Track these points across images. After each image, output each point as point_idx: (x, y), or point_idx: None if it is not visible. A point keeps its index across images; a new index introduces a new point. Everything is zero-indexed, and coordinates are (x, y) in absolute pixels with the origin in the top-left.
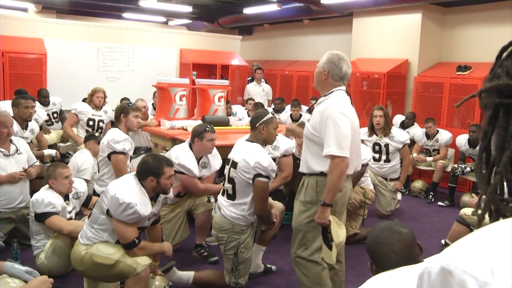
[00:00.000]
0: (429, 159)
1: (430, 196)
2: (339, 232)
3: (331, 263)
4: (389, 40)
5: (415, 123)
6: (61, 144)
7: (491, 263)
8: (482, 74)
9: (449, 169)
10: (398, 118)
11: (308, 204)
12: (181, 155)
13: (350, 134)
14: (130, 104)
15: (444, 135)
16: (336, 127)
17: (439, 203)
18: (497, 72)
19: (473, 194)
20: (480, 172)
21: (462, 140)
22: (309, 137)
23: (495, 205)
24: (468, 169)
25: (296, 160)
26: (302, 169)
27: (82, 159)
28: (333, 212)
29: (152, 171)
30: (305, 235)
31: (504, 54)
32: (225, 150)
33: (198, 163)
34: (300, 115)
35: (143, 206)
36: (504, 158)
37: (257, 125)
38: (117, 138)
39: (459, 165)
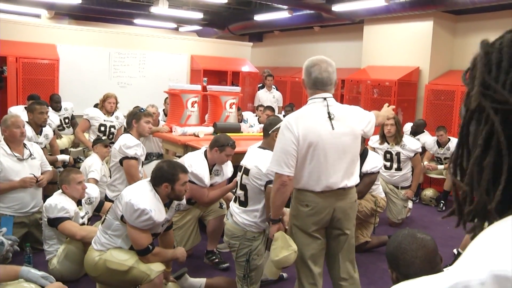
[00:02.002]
0: (440, 167)
1: (441, 204)
2: (279, 252)
3: (271, 277)
4: (400, 47)
5: (425, 130)
6: (72, 149)
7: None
8: None
9: None
10: (408, 127)
11: (292, 215)
12: (195, 163)
13: (293, 149)
14: (142, 110)
15: (455, 143)
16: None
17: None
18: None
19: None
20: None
21: None
22: None
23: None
24: None
25: None
26: None
27: (90, 162)
28: (299, 228)
29: (167, 177)
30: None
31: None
32: (236, 157)
33: (210, 171)
34: None
35: (158, 212)
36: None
37: (270, 132)
38: (129, 144)
39: None
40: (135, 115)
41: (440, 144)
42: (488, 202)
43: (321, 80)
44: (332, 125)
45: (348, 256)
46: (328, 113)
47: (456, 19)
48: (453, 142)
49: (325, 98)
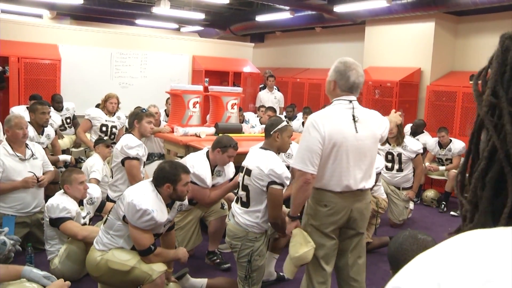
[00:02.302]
0: (442, 168)
1: (443, 205)
2: (299, 248)
3: (287, 276)
4: (401, 48)
5: (424, 130)
6: (73, 149)
7: (437, 280)
8: None
9: None
10: (408, 127)
11: (306, 215)
12: (197, 164)
13: (318, 148)
14: (144, 110)
15: (457, 145)
16: (303, 140)
17: (452, 212)
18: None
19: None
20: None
21: None
22: None
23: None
24: None
25: None
26: None
27: (92, 162)
28: (316, 227)
29: (169, 177)
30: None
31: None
32: (238, 158)
33: (212, 172)
34: None
35: (160, 212)
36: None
37: (271, 133)
38: (130, 144)
39: None
40: (137, 116)
41: (442, 145)
42: (488, 225)
43: (357, 84)
44: (356, 127)
45: (360, 256)
46: (353, 115)
47: (457, 20)
48: (454, 143)
49: (351, 101)
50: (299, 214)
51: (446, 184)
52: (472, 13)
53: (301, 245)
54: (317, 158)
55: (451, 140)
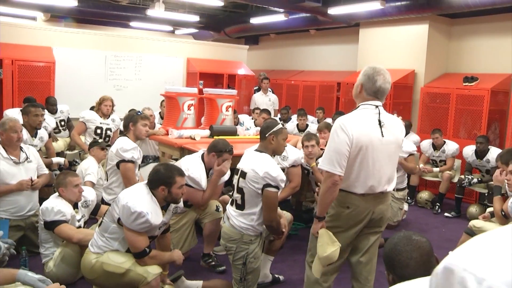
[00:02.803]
0: (436, 169)
1: (437, 207)
2: (327, 248)
3: (315, 276)
4: (395, 50)
5: (410, 131)
6: (68, 152)
7: (488, 262)
8: (489, 85)
9: (455, 180)
10: None
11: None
12: (192, 167)
13: (347, 150)
14: (139, 113)
15: (450, 146)
16: (331, 142)
17: (446, 214)
18: None
19: (485, 215)
20: None
21: (469, 151)
22: None
23: None
24: (475, 180)
25: (304, 171)
26: None
27: (86, 165)
28: (338, 228)
29: (163, 180)
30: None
31: None
32: (233, 160)
33: (207, 175)
34: (307, 125)
35: (154, 215)
36: None
37: (266, 135)
38: (125, 147)
39: (466, 176)
40: (132, 118)
41: (436, 147)
42: None
43: (383, 90)
44: (382, 132)
45: (374, 255)
46: (379, 120)
47: (451, 22)
48: (448, 145)
49: (377, 106)
50: (325, 215)
51: (440, 185)
52: (465, 15)
53: (328, 245)
54: (345, 160)
55: (445, 142)
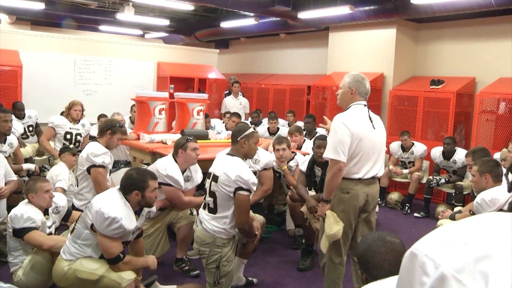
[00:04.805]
0: (405, 171)
1: (406, 207)
2: (333, 227)
3: (323, 251)
4: (364, 54)
5: None
6: (36, 158)
7: (446, 249)
8: (454, 88)
9: (424, 180)
10: None
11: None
12: (168, 167)
13: (348, 141)
14: (120, 125)
15: (419, 148)
16: (334, 134)
17: (415, 214)
18: None
19: (442, 210)
20: None
21: (437, 152)
22: None
23: None
24: (442, 180)
25: (276, 174)
26: None
27: (57, 171)
28: (341, 211)
29: (137, 184)
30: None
31: None
32: (205, 164)
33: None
34: (278, 128)
35: (128, 220)
36: None
37: (238, 139)
38: (96, 152)
39: (434, 176)
40: (113, 128)
41: (404, 149)
42: None
43: (369, 91)
44: (373, 125)
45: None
46: (369, 116)
47: (417, 27)
48: (416, 147)
49: (365, 105)
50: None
51: (409, 186)
52: (431, 20)
53: (334, 225)
54: (347, 149)
55: (413, 144)
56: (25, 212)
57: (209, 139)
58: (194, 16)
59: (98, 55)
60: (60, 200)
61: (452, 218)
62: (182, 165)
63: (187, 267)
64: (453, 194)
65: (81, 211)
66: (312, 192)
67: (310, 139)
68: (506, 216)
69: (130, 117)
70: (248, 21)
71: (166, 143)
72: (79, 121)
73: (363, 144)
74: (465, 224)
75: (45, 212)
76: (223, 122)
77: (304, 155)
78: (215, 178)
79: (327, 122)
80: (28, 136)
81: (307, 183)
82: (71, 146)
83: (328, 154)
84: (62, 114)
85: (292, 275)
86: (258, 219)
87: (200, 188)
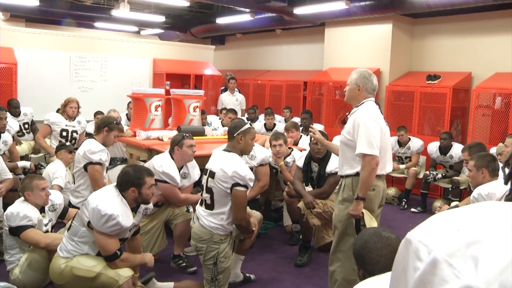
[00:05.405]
0: (402, 166)
1: (403, 202)
2: (372, 224)
3: None
4: (360, 49)
5: None
6: (32, 155)
7: (439, 235)
8: (451, 83)
9: (421, 176)
10: None
11: (345, 202)
12: (165, 164)
13: (379, 136)
14: (117, 122)
15: (415, 143)
16: (366, 129)
17: (412, 209)
18: None
19: (439, 205)
20: None
21: (433, 147)
22: (344, 142)
23: None
24: (439, 175)
25: (273, 170)
26: (340, 172)
27: (54, 168)
28: (368, 209)
29: (133, 181)
30: (345, 230)
31: None
32: (201, 160)
33: (179, 171)
34: (274, 124)
35: (125, 217)
36: None
37: (234, 135)
38: (93, 149)
39: (431, 171)
40: (110, 125)
41: (401, 144)
42: None
43: (375, 87)
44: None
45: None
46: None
47: (414, 22)
48: (413, 142)
49: (375, 101)
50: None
51: (406, 181)
52: (427, 15)
53: (371, 221)
54: (379, 144)
55: (410, 139)
56: (21, 210)
57: (206, 136)
58: (190, 12)
59: (93, 52)
60: (57, 198)
61: None
62: (179, 162)
63: (184, 264)
64: (449, 189)
65: (78, 208)
66: (309, 188)
67: (307, 135)
68: (500, 204)
69: (126, 114)
70: (244, 17)
71: (162, 140)
72: (75, 118)
73: (386, 140)
74: (459, 212)
75: (42, 210)
76: (220, 119)
77: (301, 151)
78: (212, 174)
79: (316, 131)
80: (23, 134)
81: (304, 179)
82: (67, 143)
83: (362, 149)
84: (57, 111)
85: (289, 271)
86: (255, 215)
87: (197, 184)
